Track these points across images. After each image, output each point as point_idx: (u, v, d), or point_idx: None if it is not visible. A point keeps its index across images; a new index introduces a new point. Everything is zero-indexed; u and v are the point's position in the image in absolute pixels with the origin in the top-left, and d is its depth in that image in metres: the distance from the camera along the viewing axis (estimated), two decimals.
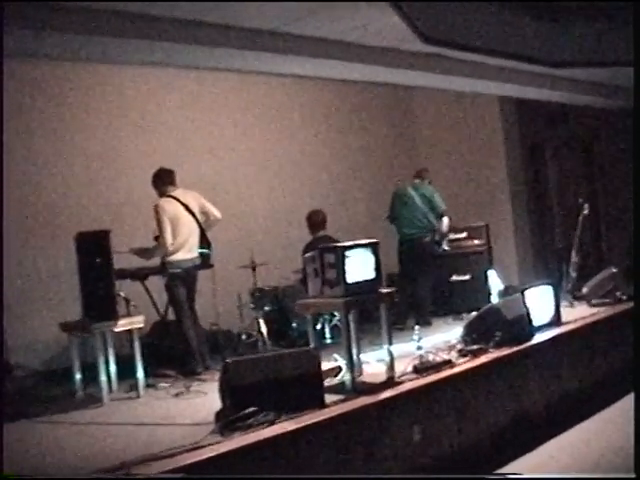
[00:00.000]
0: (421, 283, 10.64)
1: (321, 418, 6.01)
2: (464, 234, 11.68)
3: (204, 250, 8.74)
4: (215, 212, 8.88)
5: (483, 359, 7.78)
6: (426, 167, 11.35)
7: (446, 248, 10.70)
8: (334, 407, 6.30)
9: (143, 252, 8.68)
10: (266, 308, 9.73)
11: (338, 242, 7.83)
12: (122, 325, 7.69)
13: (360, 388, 6.83)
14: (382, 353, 7.33)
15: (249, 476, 5.47)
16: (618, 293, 10.70)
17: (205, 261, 8.82)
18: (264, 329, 9.28)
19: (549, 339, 8.76)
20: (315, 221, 9.97)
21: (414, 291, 10.61)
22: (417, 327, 7.72)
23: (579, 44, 8.34)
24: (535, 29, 8.07)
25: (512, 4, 7.75)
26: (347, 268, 6.87)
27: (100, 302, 7.50)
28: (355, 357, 7.25)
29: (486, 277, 11.01)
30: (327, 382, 6.79)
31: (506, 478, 6.48)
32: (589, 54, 8.48)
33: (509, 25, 7.92)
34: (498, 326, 8.25)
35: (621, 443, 7.20)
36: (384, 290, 7.38)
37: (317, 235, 9.78)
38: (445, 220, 10.58)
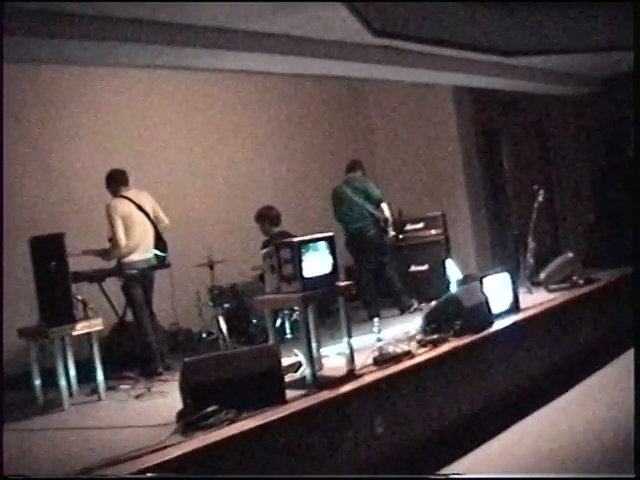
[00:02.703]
0: (387, 272, 10.71)
1: (283, 414, 6.00)
2: (421, 224, 11.70)
3: (159, 253, 8.70)
4: (164, 218, 8.81)
5: (443, 348, 7.81)
6: (356, 159, 11.23)
7: (393, 233, 10.69)
8: (295, 402, 6.30)
9: (99, 254, 8.63)
10: (225, 306, 9.71)
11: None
12: (80, 328, 7.65)
13: (321, 382, 6.83)
14: (342, 346, 7.34)
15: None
16: (575, 278, 10.80)
17: (161, 261, 8.78)
18: (224, 327, 9.25)
19: (508, 326, 8.82)
20: (272, 217, 9.91)
21: (385, 281, 10.70)
22: (376, 319, 7.74)
23: (531, 33, 8.42)
24: (487, 18, 8.13)
25: None
26: (303, 263, 6.87)
27: (57, 306, 7.46)
28: (315, 351, 7.25)
29: (444, 266, 11.07)
30: (288, 378, 6.80)
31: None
32: (542, 42, 8.56)
33: (460, 15, 7.97)
34: (457, 315, 8.28)
35: (583, 426, 7.30)
36: (341, 283, 7.42)
37: (274, 231, 9.74)
38: (384, 206, 10.57)
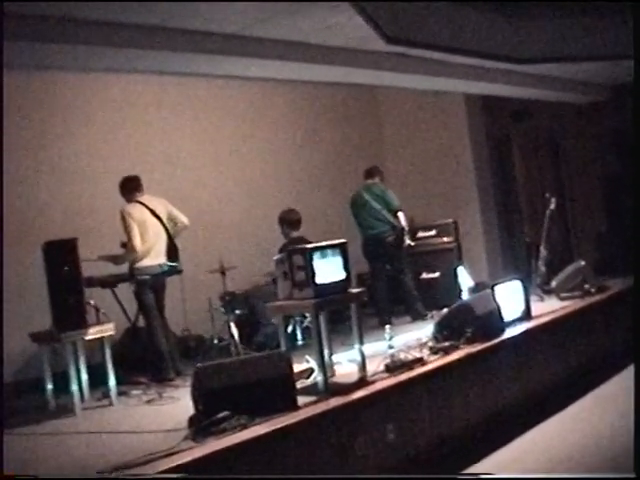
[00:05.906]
0: (403, 279, 10.73)
1: (294, 420, 6.00)
2: (433, 231, 11.69)
3: (170, 263, 8.72)
4: (183, 218, 8.86)
5: (455, 356, 7.80)
6: (375, 165, 11.29)
7: (408, 241, 10.68)
8: (307, 409, 6.29)
9: (113, 259, 8.66)
10: (237, 312, 9.71)
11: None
12: (92, 333, 7.66)
13: (332, 389, 6.82)
14: (354, 353, 7.34)
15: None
16: (587, 286, 10.77)
17: (173, 267, 8.79)
18: (235, 333, 9.25)
19: (520, 334, 8.81)
20: (290, 220, 9.84)
21: (401, 288, 10.72)
22: (388, 326, 7.74)
23: (543, 40, 8.41)
24: (500, 26, 8.12)
25: (476, 2, 7.81)
26: (316, 269, 6.86)
27: (70, 311, 7.47)
28: (327, 358, 7.23)
29: (456, 274, 11.06)
30: (299, 384, 6.78)
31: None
32: (554, 50, 8.55)
33: (473, 23, 7.97)
34: (469, 322, 8.27)
35: (594, 435, 7.27)
36: (354, 290, 7.41)
37: (292, 236, 9.67)
38: (401, 216, 10.57)
